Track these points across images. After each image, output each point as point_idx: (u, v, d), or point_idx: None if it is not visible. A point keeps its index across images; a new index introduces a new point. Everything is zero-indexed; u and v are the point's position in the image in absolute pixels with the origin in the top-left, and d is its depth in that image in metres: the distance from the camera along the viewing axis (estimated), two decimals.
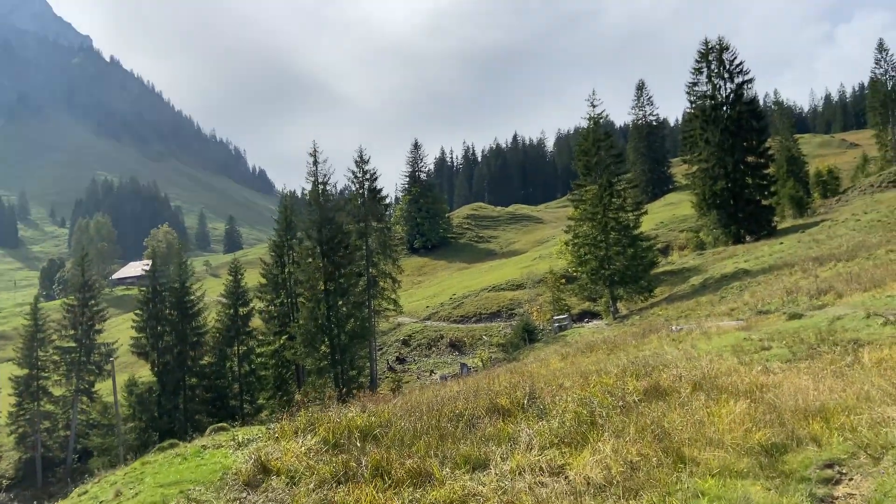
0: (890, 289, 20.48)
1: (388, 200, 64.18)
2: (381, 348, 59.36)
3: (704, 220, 63.42)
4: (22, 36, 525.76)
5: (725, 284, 39.44)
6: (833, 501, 6.61)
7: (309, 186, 50.61)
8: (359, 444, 10.27)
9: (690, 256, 61.09)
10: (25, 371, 55.22)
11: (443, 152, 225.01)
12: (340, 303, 47.05)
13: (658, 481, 7.21)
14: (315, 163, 49.71)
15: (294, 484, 9.32)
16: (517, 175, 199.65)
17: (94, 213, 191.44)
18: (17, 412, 54.27)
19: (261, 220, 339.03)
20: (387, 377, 51.94)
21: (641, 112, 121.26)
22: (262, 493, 9.40)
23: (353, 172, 55.27)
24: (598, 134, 51.76)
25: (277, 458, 10.22)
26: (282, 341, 51.13)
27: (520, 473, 8.18)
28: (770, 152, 63.64)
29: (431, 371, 51.35)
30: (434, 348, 57.32)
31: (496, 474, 8.34)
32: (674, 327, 22.97)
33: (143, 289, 53.58)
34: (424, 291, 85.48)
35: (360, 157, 55.50)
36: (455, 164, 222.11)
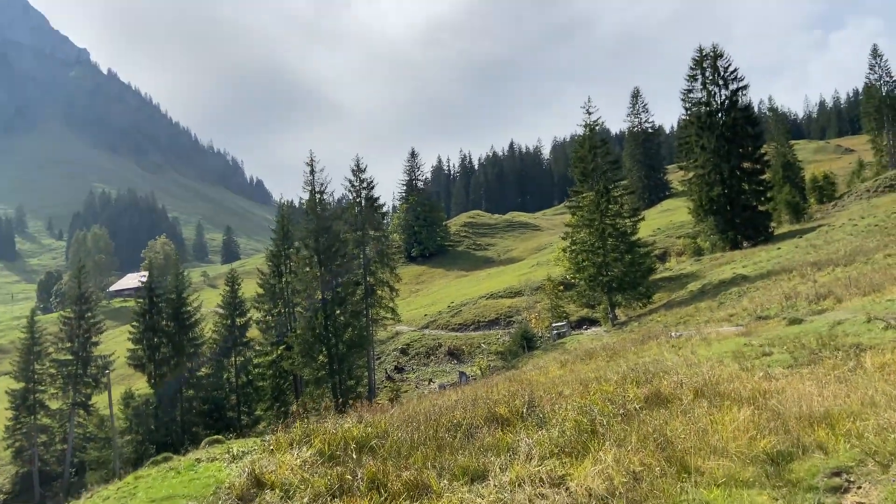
0: (889, 293, 20.39)
1: (385, 209, 64.13)
2: (380, 357, 59.06)
3: (701, 226, 63.43)
4: (19, 49, 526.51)
5: (724, 290, 39.28)
6: None
7: (306, 196, 50.51)
8: (355, 456, 10.07)
9: (688, 262, 60.98)
10: (22, 384, 54.85)
11: (440, 161, 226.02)
12: (338, 312, 46.81)
13: (662, 492, 7.03)
14: (312, 172, 49.62)
15: (288, 498, 9.12)
16: (514, 183, 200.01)
17: (92, 226, 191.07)
18: (13, 426, 53.89)
19: (258, 230, 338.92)
20: (385, 386, 51.64)
21: (637, 119, 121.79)
22: None
23: (350, 181, 55.28)
24: (595, 140, 51.78)
25: (272, 472, 10.01)
26: (279, 351, 50.85)
27: (519, 485, 7.98)
28: (766, 158, 63.80)
29: (430, 380, 51.06)
30: (432, 357, 57.03)
31: (495, 486, 8.14)
32: (673, 333, 22.84)
33: (140, 300, 53.32)
34: (422, 300, 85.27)
35: (357, 165, 55.52)
36: (452, 172, 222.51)
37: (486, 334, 57.98)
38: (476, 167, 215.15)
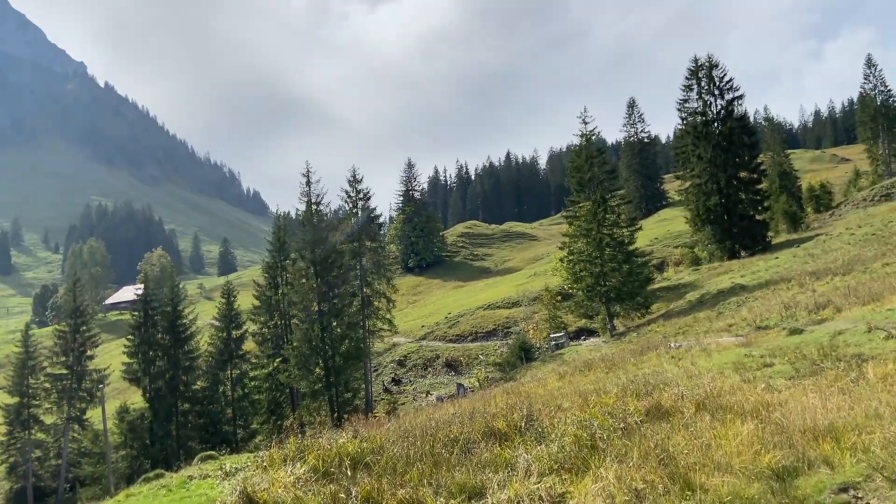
0: (889, 302, 20.25)
1: (381, 220, 64.03)
2: (377, 369, 58.68)
3: (699, 235, 63.38)
4: (15, 62, 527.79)
5: (722, 300, 39.15)
6: None
7: (302, 207, 50.39)
8: (349, 473, 9.85)
9: (686, 272, 60.88)
10: (16, 399, 54.20)
11: (436, 171, 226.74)
12: (335, 323, 46.51)
13: None
14: (308, 183, 49.52)
15: None
16: (511, 193, 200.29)
17: (88, 238, 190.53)
18: (7, 441, 53.23)
19: (255, 241, 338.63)
20: (382, 399, 51.24)
21: (633, 129, 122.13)
22: None
23: (347, 192, 55.19)
24: (591, 150, 51.78)
25: (264, 490, 9.77)
26: (275, 364, 50.47)
27: (518, 503, 7.77)
28: (762, 168, 63.90)
29: (428, 392, 50.69)
30: (430, 368, 56.69)
31: None
32: (672, 344, 22.65)
33: (136, 313, 52.96)
34: (419, 311, 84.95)
35: (354, 176, 55.44)
36: (449, 182, 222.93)
37: (484, 345, 57.70)
38: (473, 177, 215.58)
